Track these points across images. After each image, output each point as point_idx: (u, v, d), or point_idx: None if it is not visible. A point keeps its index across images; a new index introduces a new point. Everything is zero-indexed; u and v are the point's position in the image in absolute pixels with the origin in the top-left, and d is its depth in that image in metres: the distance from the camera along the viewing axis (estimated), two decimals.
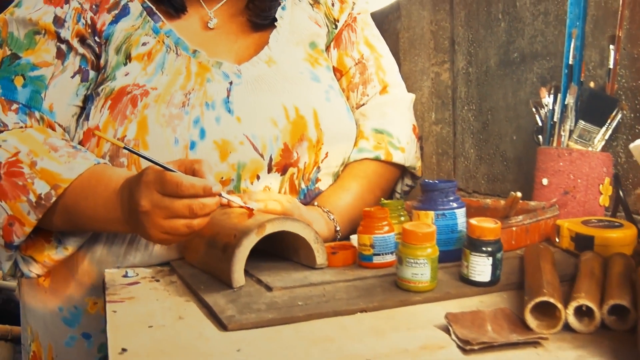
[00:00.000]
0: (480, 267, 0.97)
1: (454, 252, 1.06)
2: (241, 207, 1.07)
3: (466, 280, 0.98)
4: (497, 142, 1.93)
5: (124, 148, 1.03)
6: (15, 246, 1.17)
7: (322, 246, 1.04)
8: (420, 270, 0.94)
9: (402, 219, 1.14)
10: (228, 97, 1.25)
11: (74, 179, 1.13)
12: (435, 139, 2.20)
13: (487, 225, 0.97)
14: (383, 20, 2.49)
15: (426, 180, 1.10)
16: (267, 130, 1.25)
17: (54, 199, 1.13)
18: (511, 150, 1.87)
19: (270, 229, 0.99)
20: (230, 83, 1.27)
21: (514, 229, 1.17)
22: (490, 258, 0.96)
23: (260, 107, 1.27)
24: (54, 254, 1.21)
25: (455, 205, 1.08)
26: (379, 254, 1.04)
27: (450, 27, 2.12)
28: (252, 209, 1.06)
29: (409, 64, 2.36)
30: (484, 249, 0.97)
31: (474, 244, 0.97)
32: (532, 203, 1.33)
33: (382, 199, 1.33)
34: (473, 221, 0.98)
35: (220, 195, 1.01)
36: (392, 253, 1.05)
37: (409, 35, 2.30)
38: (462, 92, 2.09)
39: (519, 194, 1.19)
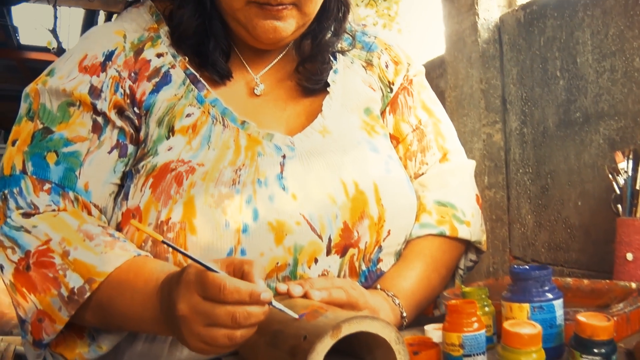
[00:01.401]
0: None
1: (552, 349, 0.91)
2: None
3: None
4: (558, 208, 1.78)
5: (163, 242, 0.90)
6: (44, 344, 1.04)
7: (404, 347, 0.90)
8: None
9: (487, 309, 1.00)
10: (281, 172, 1.13)
11: (110, 272, 1.00)
12: (489, 204, 2.05)
13: (599, 323, 0.83)
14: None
15: (517, 267, 0.96)
16: (325, 208, 1.12)
17: (87, 294, 1.00)
18: (576, 216, 1.72)
19: (346, 330, 0.85)
20: (283, 157, 1.15)
21: (615, 318, 1.01)
22: None
23: (316, 182, 1.14)
24: (86, 353, 1.07)
25: (552, 295, 0.93)
26: (469, 355, 0.89)
27: (501, 85, 2.00)
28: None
29: (457, 125, 2.23)
30: (596, 350, 0.82)
31: (584, 345, 0.83)
32: (621, 283, 1.18)
33: (462, 286, 1.19)
34: (582, 318, 0.84)
35: (270, 304, 0.87)
36: (483, 353, 0.90)
37: (456, 94, 2.19)
38: (517, 154, 1.95)
39: None
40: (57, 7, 6.39)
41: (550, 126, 1.79)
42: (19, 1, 6.09)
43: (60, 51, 7.46)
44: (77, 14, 8.08)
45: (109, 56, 1.17)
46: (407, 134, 1.35)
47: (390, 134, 1.34)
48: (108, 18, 7.01)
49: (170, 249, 1.07)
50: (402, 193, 1.24)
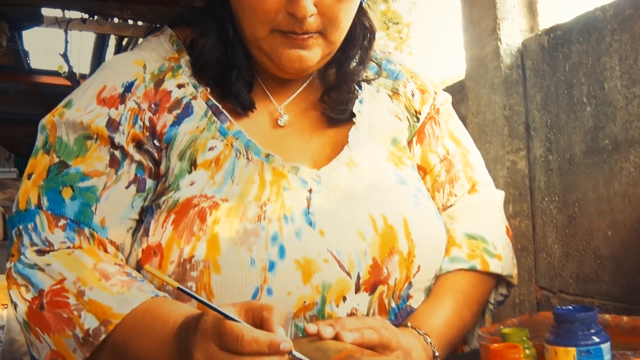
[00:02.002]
0: None
1: None
2: None
3: None
4: (587, 238, 1.73)
5: (178, 288, 0.86)
6: None
7: None
8: None
9: (528, 351, 0.95)
10: (308, 207, 1.08)
11: (126, 314, 0.96)
12: (513, 233, 2.00)
13: None
14: None
15: (560, 308, 0.91)
16: (353, 244, 1.08)
17: (103, 336, 0.96)
18: (606, 247, 1.66)
19: None
20: (310, 191, 1.11)
21: None
22: None
23: (344, 217, 1.10)
24: None
25: (599, 339, 0.88)
26: None
27: (525, 111, 1.96)
28: None
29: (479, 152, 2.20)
30: None
31: None
32: None
33: (502, 327, 1.13)
34: None
35: (290, 353, 0.82)
36: None
37: (479, 120, 2.14)
38: (542, 181, 1.90)
39: None
40: (68, 32, 6.41)
41: (577, 153, 1.75)
42: (31, 25, 6.11)
43: (71, 75, 7.49)
44: (88, 38, 8.14)
45: (128, 87, 1.14)
46: (434, 165, 1.30)
47: (417, 164, 1.29)
48: (119, 42, 7.03)
49: (195, 285, 1.03)
50: (431, 226, 1.19)
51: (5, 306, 2.87)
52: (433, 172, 1.30)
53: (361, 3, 1.19)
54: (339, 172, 1.15)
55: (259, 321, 0.85)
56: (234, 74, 1.16)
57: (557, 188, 1.84)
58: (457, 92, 2.31)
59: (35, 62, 8.62)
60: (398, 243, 1.11)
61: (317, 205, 1.09)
